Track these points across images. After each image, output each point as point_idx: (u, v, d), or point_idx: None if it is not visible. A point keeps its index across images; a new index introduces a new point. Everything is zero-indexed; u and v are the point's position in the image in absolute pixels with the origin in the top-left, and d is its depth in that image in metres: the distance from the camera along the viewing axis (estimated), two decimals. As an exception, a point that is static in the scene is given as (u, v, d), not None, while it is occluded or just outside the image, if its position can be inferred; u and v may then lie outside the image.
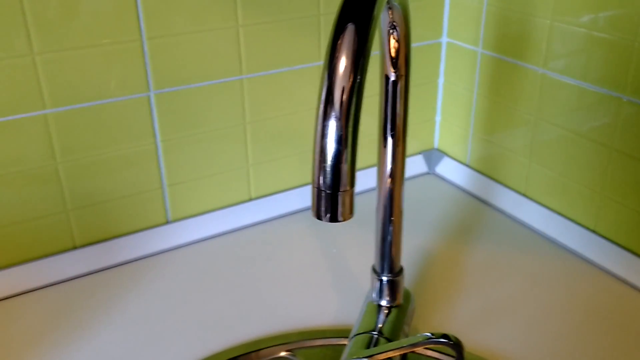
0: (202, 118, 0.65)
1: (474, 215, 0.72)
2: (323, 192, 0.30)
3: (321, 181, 0.30)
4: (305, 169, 0.74)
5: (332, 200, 0.30)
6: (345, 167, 0.30)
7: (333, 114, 0.29)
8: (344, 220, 0.31)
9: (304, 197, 0.74)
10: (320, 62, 0.69)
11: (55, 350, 0.53)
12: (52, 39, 0.55)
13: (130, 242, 0.65)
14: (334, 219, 0.31)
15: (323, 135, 0.29)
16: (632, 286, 0.60)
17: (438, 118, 0.81)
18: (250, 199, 0.72)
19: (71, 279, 0.62)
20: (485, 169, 0.76)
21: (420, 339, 0.42)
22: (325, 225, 0.70)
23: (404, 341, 0.42)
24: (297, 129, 0.71)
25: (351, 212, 0.31)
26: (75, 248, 0.63)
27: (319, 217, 0.31)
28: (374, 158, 0.77)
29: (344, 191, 0.30)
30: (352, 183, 0.30)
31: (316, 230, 0.70)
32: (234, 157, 0.69)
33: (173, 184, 0.66)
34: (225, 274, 0.63)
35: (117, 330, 0.55)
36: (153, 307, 0.58)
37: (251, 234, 0.69)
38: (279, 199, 0.73)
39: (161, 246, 0.67)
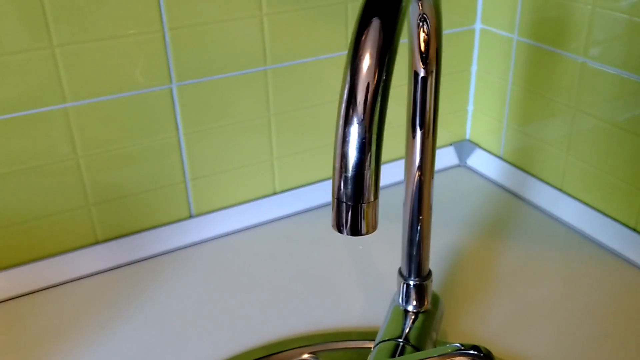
0: (225, 110, 0.63)
1: (507, 211, 0.69)
2: (344, 203, 0.28)
3: (342, 191, 0.28)
4: (331, 163, 0.71)
5: (353, 212, 0.28)
6: (368, 176, 0.27)
7: (355, 117, 0.27)
8: (367, 234, 0.28)
9: (329, 191, 0.72)
10: (346, 52, 0.67)
11: (78, 345, 0.53)
12: (72, 31, 0.54)
13: (153, 236, 0.64)
14: (355, 232, 0.28)
15: (344, 141, 0.27)
16: (676, 289, 0.57)
17: (470, 108, 0.78)
18: (275, 193, 0.70)
19: (94, 274, 0.61)
20: (520, 162, 0.73)
21: (449, 350, 0.40)
22: (352, 220, 0.68)
23: (432, 351, 0.40)
24: (323, 121, 0.69)
25: (374, 226, 0.29)
26: (97, 243, 0.62)
27: (339, 230, 0.29)
28: (401, 150, 0.74)
29: (367, 203, 0.28)
30: (375, 194, 0.28)
31: (342, 225, 0.68)
32: (258, 150, 0.67)
33: (196, 178, 0.65)
34: (248, 270, 0.61)
35: (139, 326, 0.55)
36: (175, 303, 0.57)
37: (275, 228, 0.68)
38: (304, 192, 0.71)
39: (184, 241, 0.65)
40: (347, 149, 0.27)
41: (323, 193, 0.71)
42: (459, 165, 0.79)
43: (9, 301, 0.58)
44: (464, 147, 0.79)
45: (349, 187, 0.27)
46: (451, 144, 0.79)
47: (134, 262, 0.63)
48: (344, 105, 0.27)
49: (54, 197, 0.59)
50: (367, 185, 0.27)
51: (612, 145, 0.61)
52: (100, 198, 0.61)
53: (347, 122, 0.27)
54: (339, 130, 0.27)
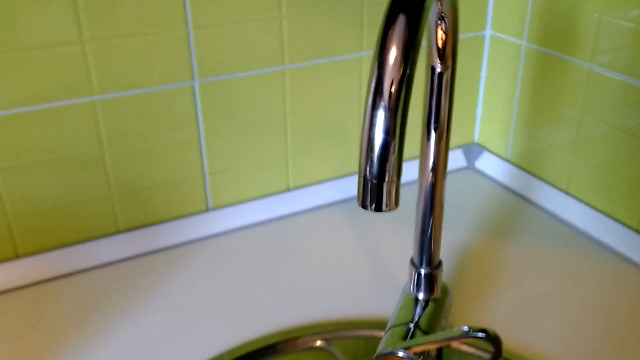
0: (244, 108, 0.66)
1: (514, 212, 0.71)
2: (369, 181, 0.30)
3: (368, 171, 0.30)
4: (344, 161, 0.74)
5: (378, 190, 0.30)
6: (392, 158, 0.30)
7: (382, 104, 0.29)
8: (389, 210, 0.31)
9: (342, 189, 0.74)
10: (362, 53, 0.69)
11: (98, 332, 0.55)
12: (103, 26, 0.56)
13: (172, 228, 0.67)
14: (378, 208, 0.31)
15: (371, 126, 0.29)
16: (677, 288, 0.59)
17: (479, 112, 0.80)
18: (289, 189, 0.72)
19: (114, 263, 0.64)
20: (527, 165, 0.75)
21: (458, 333, 0.42)
22: (363, 217, 0.70)
23: (441, 334, 0.42)
24: (337, 121, 0.71)
25: (397, 203, 0.31)
26: (118, 232, 0.65)
27: (364, 207, 0.31)
28: (412, 151, 0.77)
29: (390, 181, 0.30)
30: (398, 174, 0.30)
31: (354, 222, 0.70)
32: (273, 148, 0.69)
33: (214, 173, 0.67)
34: (263, 263, 0.64)
35: (158, 312, 0.57)
36: (192, 292, 0.59)
37: (289, 224, 0.70)
38: (317, 190, 0.73)
39: (201, 233, 0.68)
40: (374, 133, 0.30)
41: (335, 191, 0.74)
42: (467, 168, 0.81)
43: (35, 286, 0.60)
44: (472, 150, 0.81)
45: (375, 166, 0.30)
46: (460, 147, 0.81)
47: (153, 252, 0.65)
48: (371, 94, 0.30)
49: (79, 187, 0.61)
50: (391, 165, 0.30)
51: (617, 150, 0.63)
52: (122, 189, 0.63)
53: (374, 109, 0.29)
54: (366, 117, 0.30)
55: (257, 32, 0.63)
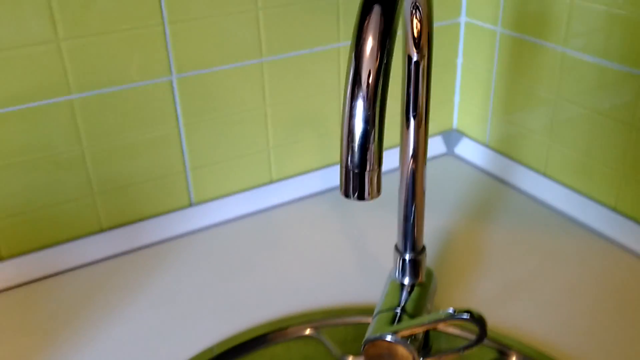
0: (223, 101, 0.66)
1: (494, 195, 0.73)
2: (351, 171, 0.31)
3: (349, 160, 0.31)
4: (326, 151, 0.74)
5: (359, 179, 0.31)
6: (372, 147, 0.30)
7: (360, 94, 0.30)
8: (371, 198, 0.32)
9: (324, 179, 0.75)
10: (339, 44, 0.69)
11: (87, 331, 0.55)
12: (77, 24, 0.56)
13: (155, 224, 0.67)
14: (361, 197, 0.31)
15: (351, 116, 0.30)
16: (654, 264, 0.60)
17: (457, 98, 0.81)
18: (272, 181, 0.72)
19: (99, 261, 0.64)
20: (505, 149, 0.76)
21: (444, 315, 0.43)
22: (346, 206, 0.71)
23: (427, 317, 0.43)
24: (317, 112, 0.72)
25: (378, 191, 0.32)
26: (102, 231, 0.65)
27: (347, 196, 0.32)
28: (392, 139, 0.77)
29: (371, 170, 0.31)
30: (379, 162, 0.31)
31: (337, 211, 0.71)
32: (255, 140, 0.69)
33: (196, 167, 0.67)
34: (248, 255, 0.64)
35: (145, 309, 0.57)
36: (179, 287, 0.60)
37: (273, 215, 0.70)
38: (299, 181, 0.74)
39: (185, 228, 0.68)
40: (354, 123, 0.30)
41: (318, 181, 0.74)
42: (447, 154, 0.82)
43: (19, 287, 0.60)
44: (451, 136, 0.82)
45: (356, 156, 0.30)
46: (439, 134, 0.82)
47: (138, 249, 0.65)
48: (349, 84, 0.30)
49: (60, 187, 0.61)
50: (372, 154, 0.30)
51: (592, 131, 0.65)
52: (104, 187, 0.63)
53: (353, 99, 0.30)
54: (346, 108, 0.30)
55: (234, 25, 0.63)
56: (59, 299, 0.59)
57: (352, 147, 0.30)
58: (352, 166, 0.31)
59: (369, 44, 0.30)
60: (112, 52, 0.58)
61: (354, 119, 0.30)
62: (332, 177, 0.75)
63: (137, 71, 0.60)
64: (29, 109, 0.57)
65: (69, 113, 0.59)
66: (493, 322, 0.54)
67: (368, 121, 0.30)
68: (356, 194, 0.31)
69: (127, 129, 0.62)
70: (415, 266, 0.49)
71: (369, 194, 0.31)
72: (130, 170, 0.64)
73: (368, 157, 0.30)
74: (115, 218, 0.65)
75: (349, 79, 0.30)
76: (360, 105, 0.30)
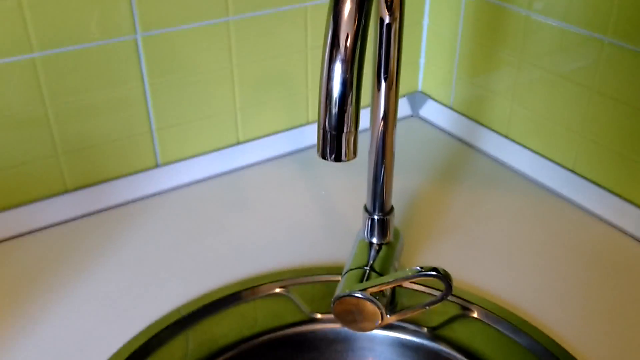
0: (189, 61, 0.65)
1: (458, 157, 0.74)
2: (328, 133, 0.31)
3: (327, 123, 0.31)
4: (293, 112, 0.74)
5: (337, 141, 0.31)
6: (350, 110, 0.31)
7: (339, 57, 0.30)
8: (348, 160, 0.32)
9: (291, 141, 0.75)
10: (307, 3, 0.69)
11: (51, 292, 0.55)
12: (37, -20, 0.54)
13: (122, 185, 0.66)
14: (338, 158, 0.32)
15: (329, 78, 0.30)
16: (608, 223, 0.63)
17: (422, 60, 0.82)
18: (239, 143, 0.72)
19: (64, 222, 0.63)
20: (469, 112, 0.77)
21: (411, 273, 0.44)
22: (314, 167, 0.72)
23: (395, 275, 0.44)
24: (284, 72, 0.71)
25: (355, 153, 0.32)
26: (67, 192, 0.64)
27: (324, 157, 0.32)
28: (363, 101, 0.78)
29: (348, 132, 0.31)
30: (356, 125, 0.31)
31: (305, 172, 0.71)
32: (221, 101, 0.69)
33: (162, 128, 0.67)
34: (216, 217, 0.64)
35: (112, 272, 0.57)
36: (146, 248, 0.60)
37: (241, 177, 0.71)
38: (267, 142, 0.74)
39: (152, 189, 0.68)
40: (332, 86, 0.30)
41: (286, 142, 0.74)
42: (412, 116, 0.83)
43: (-18, 249, 0.59)
44: (416, 98, 0.83)
45: (333, 119, 0.31)
46: (405, 96, 0.83)
47: (103, 210, 0.65)
48: (328, 47, 0.30)
49: (24, 147, 0.60)
50: (349, 117, 0.31)
51: (553, 94, 0.66)
52: (68, 147, 0.62)
53: (331, 62, 0.30)
54: (324, 70, 0.30)
55: (201, -17, 0.62)
56: (24, 260, 0.58)
57: (330, 110, 0.31)
58: (330, 128, 0.31)
59: (347, 6, 0.30)
60: (74, 9, 0.57)
61: (332, 81, 0.30)
62: (300, 138, 0.75)
63: (101, 29, 0.59)
64: (-12, 67, 0.55)
65: (31, 72, 0.57)
66: (457, 279, 0.56)
67: (346, 84, 0.30)
68: (333, 156, 0.32)
69: (91, 88, 0.61)
70: (383, 226, 0.50)
71: (345, 155, 0.32)
72: (95, 131, 0.63)
73: (345, 119, 0.31)
74: (80, 179, 0.64)
75: (327, 41, 0.31)
76: (338, 68, 0.30)
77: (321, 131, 0.31)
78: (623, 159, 0.62)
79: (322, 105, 0.31)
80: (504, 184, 0.69)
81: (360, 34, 0.30)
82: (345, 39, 0.30)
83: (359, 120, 0.31)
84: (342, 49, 0.30)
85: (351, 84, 0.30)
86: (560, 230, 0.62)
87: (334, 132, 0.31)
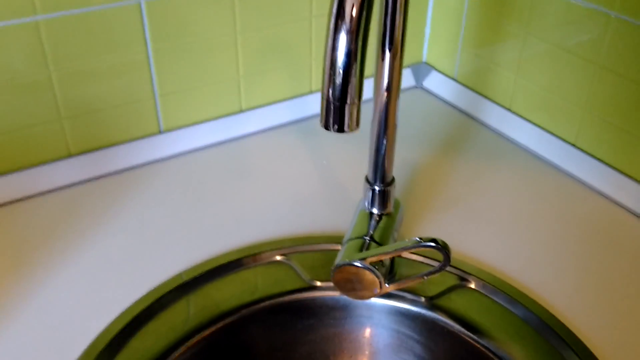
0: (193, 27, 0.65)
1: (460, 130, 0.74)
2: (332, 103, 0.31)
3: (330, 93, 0.31)
4: (296, 81, 0.74)
5: (340, 112, 0.32)
6: (354, 81, 0.31)
7: (344, 27, 0.30)
8: (350, 131, 0.32)
9: (294, 110, 0.75)
10: (313, -29, 0.68)
11: (54, 255, 0.55)
12: (41, -58, 0.54)
13: (125, 150, 0.66)
14: (341, 129, 0.32)
15: (334, 49, 0.30)
16: (607, 197, 0.63)
17: (427, 31, 0.81)
18: (241, 111, 0.72)
19: (67, 186, 0.63)
20: (472, 84, 0.77)
21: (410, 243, 0.45)
22: (316, 137, 0.72)
23: (394, 245, 0.45)
24: (288, 41, 0.71)
25: (357, 124, 0.32)
26: (70, 156, 0.64)
27: (327, 128, 0.32)
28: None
29: (351, 104, 0.31)
30: (359, 96, 0.31)
31: (307, 142, 0.71)
32: (225, 68, 0.69)
33: (165, 94, 0.67)
34: (218, 184, 0.65)
35: (114, 237, 0.58)
36: (149, 214, 0.60)
37: (242, 145, 0.71)
38: (269, 110, 0.74)
39: (154, 155, 0.68)
40: (337, 57, 0.30)
41: (288, 111, 0.74)
42: (416, 87, 0.83)
43: (-13, 211, 0.60)
44: (420, 69, 0.83)
45: (337, 90, 0.31)
46: (409, 67, 0.82)
47: (107, 175, 0.65)
48: (333, 17, 0.30)
49: (27, 111, 0.60)
50: (353, 88, 0.31)
51: (558, 68, 0.66)
52: (72, 112, 0.62)
53: (336, 32, 0.30)
54: (328, 41, 0.30)
55: (205, -53, 0.61)
56: (28, 224, 0.59)
57: (334, 80, 0.31)
58: (333, 99, 0.31)
59: (353, -24, 0.30)
60: (78, -28, 0.56)
61: (337, 51, 0.30)
62: (302, 107, 0.75)
63: (105, -8, 0.58)
64: (-9, 29, 0.55)
65: (34, 35, 0.57)
66: (455, 250, 0.57)
67: (350, 55, 0.30)
68: (336, 126, 0.32)
69: (95, 52, 0.61)
70: (384, 197, 0.51)
71: (348, 126, 0.32)
72: (98, 95, 0.63)
73: (349, 90, 0.31)
74: (83, 143, 0.64)
75: (332, 11, 0.31)
76: (343, 38, 0.30)
77: (324, 102, 0.32)
78: (625, 134, 0.62)
79: (326, 76, 0.31)
80: (505, 157, 0.69)
81: (365, 4, 0.30)
82: (351, 9, 0.30)
83: (362, 91, 0.31)
84: (347, 19, 0.30)
85: (355, 55, 0.30)
86: (559, 204, 0.63)
87: (337, 103, 0.31)
